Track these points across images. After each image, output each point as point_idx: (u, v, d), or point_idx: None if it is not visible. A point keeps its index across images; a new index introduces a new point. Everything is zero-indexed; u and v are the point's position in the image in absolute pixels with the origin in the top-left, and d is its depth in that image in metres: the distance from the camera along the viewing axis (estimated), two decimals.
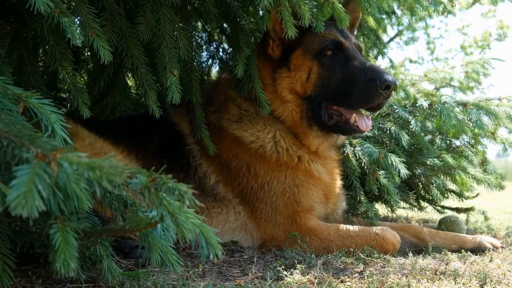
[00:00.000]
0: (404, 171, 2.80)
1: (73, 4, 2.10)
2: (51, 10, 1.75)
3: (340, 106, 2.66)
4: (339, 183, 2.95)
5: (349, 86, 2.57)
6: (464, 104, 3.03)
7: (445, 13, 3.76)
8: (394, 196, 2.87)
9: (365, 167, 2.96)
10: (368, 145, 2.92)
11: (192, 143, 2.78)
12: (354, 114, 2.63)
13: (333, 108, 2.68)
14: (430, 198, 3.69)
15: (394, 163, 2.83)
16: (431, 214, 4.22)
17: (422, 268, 2.20)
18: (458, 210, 3.73)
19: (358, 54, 2.72)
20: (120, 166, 1.12)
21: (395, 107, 3.14)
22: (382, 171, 2.89)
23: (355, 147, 3.06)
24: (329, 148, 2.86)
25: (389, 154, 2.88)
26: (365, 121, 2.64)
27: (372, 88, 2.50)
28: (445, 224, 3.43)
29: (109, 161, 1.14)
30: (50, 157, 1.09)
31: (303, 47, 2.72)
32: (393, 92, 2.59)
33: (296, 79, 2.70)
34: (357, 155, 3.02)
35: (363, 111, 2.73)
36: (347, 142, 3.12)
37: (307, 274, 2.03)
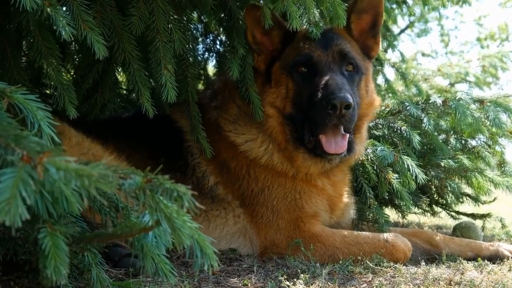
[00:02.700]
0: (421, 176, 2.80)
1: None
2: (38, 5, 1.75)
3: (311, 127, 2.61)
4: (345, 199, 2.94)
5: (309, 106, 2.56)
6: (480, 101, 3.04)
7: (460, 3, 3.78)
8: (407, 202, 2.87)
9: (377, 171, 2.96)
10: (382, 147, 2.91)
11: (192, 140, 2.80)
12: (320, 135, 2.56)
13: (313, 128, 2.62)
14: (444, 202, 3.70)
15: (410, 167, 2.82)
16: (445, 219, 4.23)
17: (436, 278, 2.21)
18: (474, 215, 3.74)
19: (330, 67, 2.61)
20: (110, 174, 1.13)
21: (407, 104, 3.15)
22: (396, 175, 2.89)
23: (366, 149, 3.05)
24: (321, 172, 2.77)
25: (405, 157, 2.87)
26: (335, 143, 2.54)
27: (322, 108, 2.45)
28: (460, 231, 3.44)
29: (99, 168, 1.14)
30: (37, 161, 1.09)
31: (281, 61, 2.74)
32: (347, 111, 2.44)
33: (277, 94, 2.72)
34: (369, 157, 3.02)
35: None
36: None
37: (311, 285, 2.04)
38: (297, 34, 2.72)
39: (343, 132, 2.57)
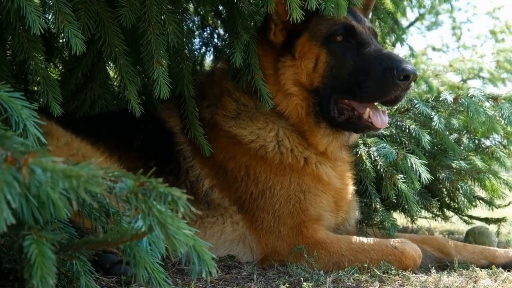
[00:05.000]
0: (425, 175, 2.80)
1: None
2: None
3: (352, 99, 2.67)
4: (351, 188, 2.96)
5: (362, 76, 2.58)
6: (495, 98, 3.04)
7: None
8: (413, 205, 2.88)
9: (381, 170, 2.97)
10: (385, 145, 2.92)
11: (183, 142, 2.78)
12: (368, 109, 2.63)
13: (344, 102, 2.68)
14: (456, 206, 3.70)
15: (414, 165, 2.83)
16: (457, 224, 4.23)
17: (447, 287, 2.21)
18: (487, 220, 3.74)
19: (372, 39, 2.73)
20: (101, 174, 1.12)
21: (416, 101, 3.15)
22: (401, 175, 2.89)
23: (369, 147, 3.06)
24: (339, 149, 2.87)
25: (409, 155, 2.88)
26: (380, 117, 2.64)
27: (388, 78, 2.50)
28: (473, 236, 3.44)
29: (89, 168, 1.14)
30: (21, 162, 1.09)
31: (310, 32, 2.72)
32: (412, 84, 2.59)
33: (301, 69, 2.71)
34: (372, 156, 3.02)
35: (378, 106, 2.73)
36: (361, 142, 3.12)
37: None
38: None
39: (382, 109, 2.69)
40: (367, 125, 2.64)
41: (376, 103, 2.71)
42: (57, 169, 1.10)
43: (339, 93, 2.67)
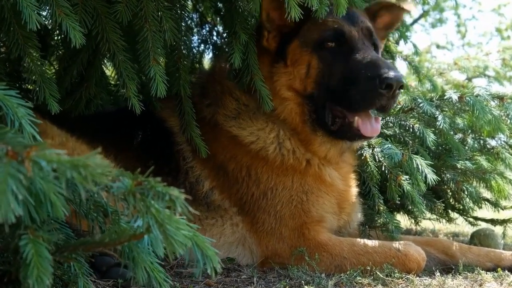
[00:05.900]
0: (431, 177, 2.80)
1: None
2: None
3: (344, 107, 2.64)
4: (354, 190, 2.97)
5: (349, 85, 2.56)
6: (500, 98, 3.04)
7: None
8: (419, 206, 2.88)
9: (386, 172, 2.96)
10: (390, 145, 2.91)
11: (183, 142, 2.78)
12: (356, 117, 2.60)
13: (338, 109, 2.66)
14: (461, 207, 3.70)
15: (420, 166, 2.83)
16: (462, 226, 4.22)
17: None
18: (493, 221, 3.74)
19: (365, 43, 2.68)
20: (106, 164, 1.13)
21: (420, 100, 3.15)
22: (406, 176, 2.89)
23: (374, 148, 3.05)
24: (339, 155, 2.85)
25: (414, 156, 2.88)
26: (370, 125, 2.60)
27: (371, 87, 2.47)
28: (479, 238, 3.44)
29: (95, 158, 1.14)
30: (24, 155, 1.09)
31: (300, 38, 2.72)
32: (398, 92, 2.52)
33: (294, 75, 2.71)
34: (377, 157, 3.02)
35: (372, 112, 2.69)
36: (365, 143, 3.11)
37: None
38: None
39: (374, 115, 2.65)
40: (356, 134, 2.62)
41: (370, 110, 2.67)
42: (62, 160, 1.10)
43: (332, 100, 2.65)
